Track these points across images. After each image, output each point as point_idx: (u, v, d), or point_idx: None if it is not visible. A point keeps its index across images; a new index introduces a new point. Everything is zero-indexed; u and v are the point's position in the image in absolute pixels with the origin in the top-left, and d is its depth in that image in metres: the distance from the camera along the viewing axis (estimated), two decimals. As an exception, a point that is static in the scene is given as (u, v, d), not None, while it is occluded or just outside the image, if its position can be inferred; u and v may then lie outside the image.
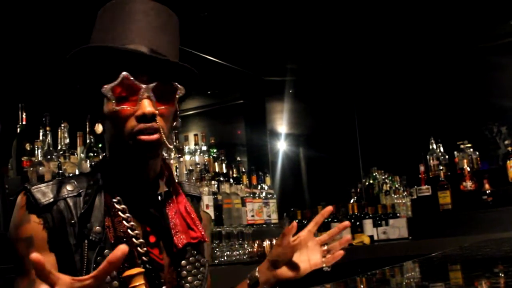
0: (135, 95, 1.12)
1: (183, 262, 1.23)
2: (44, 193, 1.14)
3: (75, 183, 1.18)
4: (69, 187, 1.17)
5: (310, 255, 1.36)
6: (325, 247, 1.38)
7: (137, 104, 1.12)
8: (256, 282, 1.37)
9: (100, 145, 2.77)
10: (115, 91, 1.12)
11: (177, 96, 1.18)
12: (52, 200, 1.14)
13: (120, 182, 1.20)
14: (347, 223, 1.39)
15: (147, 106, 1.11)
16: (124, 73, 1.11)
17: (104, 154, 1.28)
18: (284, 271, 1.36)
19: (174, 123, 1.24)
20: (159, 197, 1.23)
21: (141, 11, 1.18)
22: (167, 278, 1.20)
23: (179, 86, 1.17)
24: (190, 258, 1.24)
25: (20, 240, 1.12)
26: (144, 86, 1.12)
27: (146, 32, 1.17)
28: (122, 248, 0.82)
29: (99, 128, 1.19)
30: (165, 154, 3.16)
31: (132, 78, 1.12)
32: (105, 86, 1.12)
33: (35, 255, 0.76)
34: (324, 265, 1.36)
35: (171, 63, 1.15)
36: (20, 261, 1.12)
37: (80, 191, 1.17)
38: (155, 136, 1.13)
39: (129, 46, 1.14)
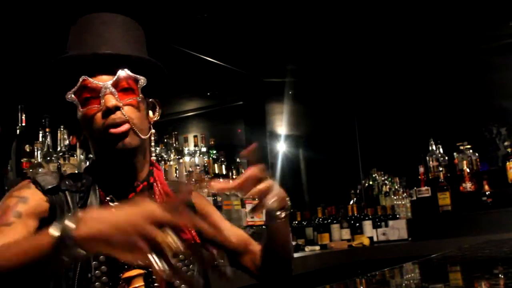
0: (97, 95, 1.17)
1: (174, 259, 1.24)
2: (48, 180, 1.20)
3: (71, 180, 1.23)
4: (67, 182, 1.22)
5: None
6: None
7: (101, 102, 1.16)
8: None
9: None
10: (78, 95, 1.17)
11: (139, 86, 1.21)
12: (56, 185, 1.20)
13: (109, 183, 1.24)
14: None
15: (109, 100, 1.15)
16: (82, 76, 1.16)
17: (91, 157, 1.31)
18: None
19: (155, 115, 1.28)
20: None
21: (100, 22, 1.23)
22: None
23: (139, 76, 1.20)
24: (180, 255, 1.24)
25: (13, 196, 1.15)
26: (102, 83, 1.16)
27: (103, 38, 1.20)
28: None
29: (73, 140, 1.27)
30: (154, 154, 3.16)
31: (90, 79, 1.16)
32: (68, 93, 1.17)
33: None
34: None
35: (125, 56, 1.19)
36: (3, 213, 1.11)
37: (75, 189, 1.22)
38: (124, 127, 1.16)
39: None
